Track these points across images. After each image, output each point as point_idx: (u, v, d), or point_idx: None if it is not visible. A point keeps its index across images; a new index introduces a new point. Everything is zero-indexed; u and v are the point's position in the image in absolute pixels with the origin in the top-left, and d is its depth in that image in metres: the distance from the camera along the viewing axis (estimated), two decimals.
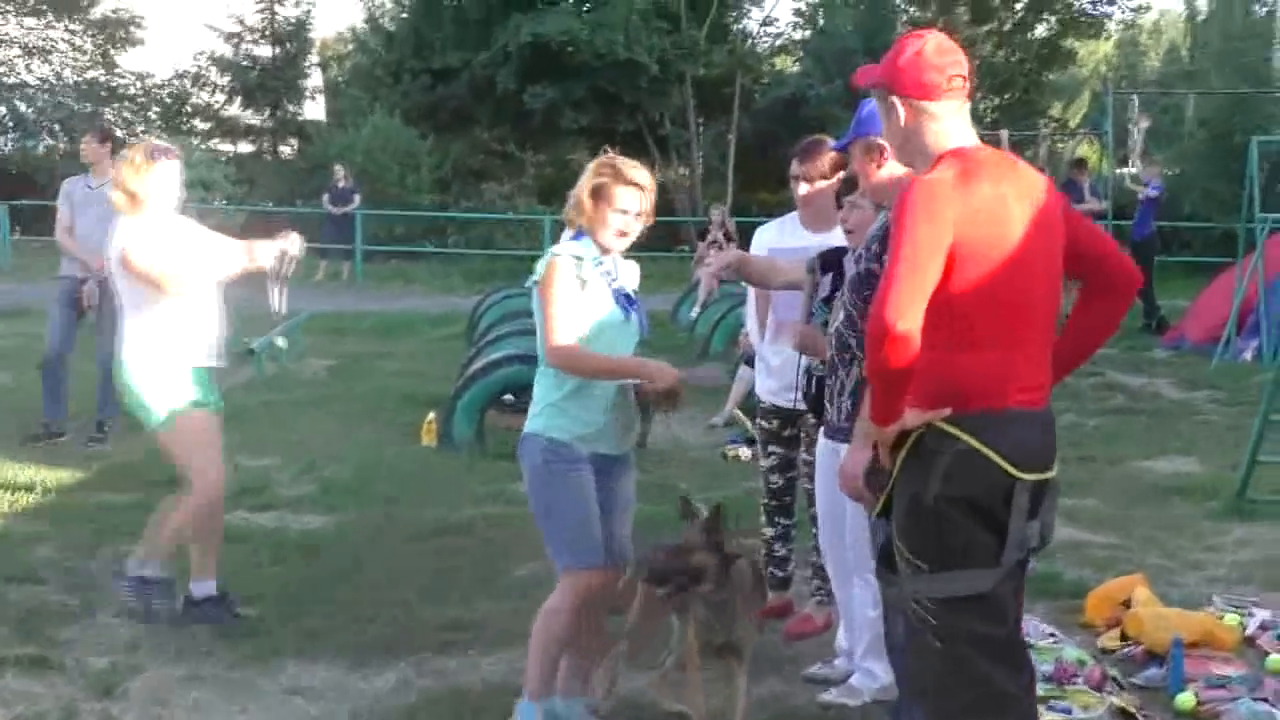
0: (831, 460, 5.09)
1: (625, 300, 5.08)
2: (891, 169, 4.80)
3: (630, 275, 5.21)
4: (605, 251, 5.06)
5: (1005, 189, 3.74)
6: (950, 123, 3.84)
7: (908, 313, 3.55)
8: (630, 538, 5.23)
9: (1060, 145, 32.50)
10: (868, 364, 3.71)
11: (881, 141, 4.76)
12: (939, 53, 3.84)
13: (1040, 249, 3.78)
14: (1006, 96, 36.13)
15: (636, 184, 5.02)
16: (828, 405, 4.92)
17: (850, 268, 4.77)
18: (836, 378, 4.84)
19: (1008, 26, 37.23)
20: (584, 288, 4.94)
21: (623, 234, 5.05)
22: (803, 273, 5.53)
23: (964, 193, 3.66)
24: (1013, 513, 3.73)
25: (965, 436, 3.71)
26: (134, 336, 6.37)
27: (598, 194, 5.00)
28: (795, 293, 5.59)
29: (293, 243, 6.43)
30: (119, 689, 5.58)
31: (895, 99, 3.87)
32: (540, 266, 4.99)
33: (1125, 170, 20.89)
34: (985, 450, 3.70)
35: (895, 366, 3.60)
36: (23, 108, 38.26)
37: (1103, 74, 47.05)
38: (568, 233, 5.21)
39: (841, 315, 4.78)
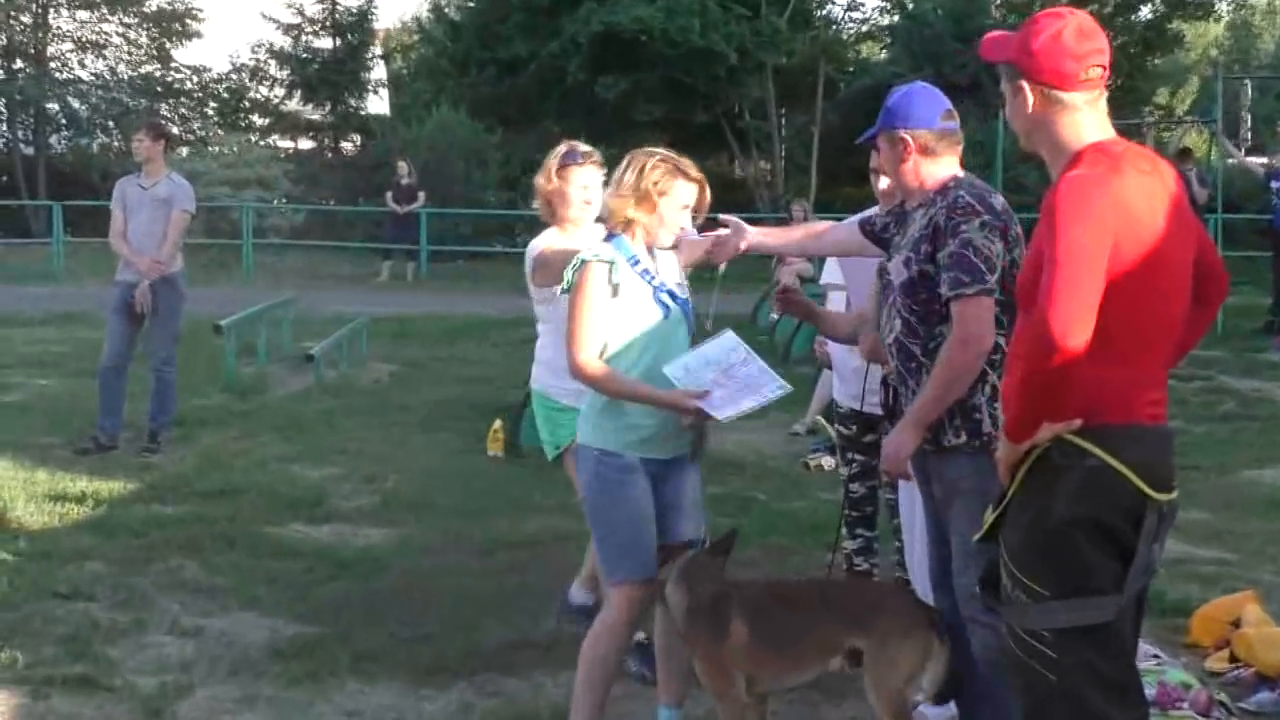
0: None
1: (671, 298, 5.10)
2: (917, 164, 4.74)
3: (671, 268, 5.21)
4: (649, 250, 5.10)
5: (1152, 187, 3.66)
6: (1085, 114, 3.75)
7: (1078, 326, 3.42)
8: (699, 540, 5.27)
9: (1166, 134, 32.15)
10: (1023, 377, 3.57)
11: (905, 135, 4.73)
12: (1079, 38, 3.74)
13: (1179, 251, 3.70)
14: (1108, 83, 35.73)
15: (696, 179, 5.09)
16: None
17: (901, 272, 4.72)
18: (907, 388, 4.79)
19: (1109, 9, 36.83)
20: (616, 294, 4.98)
21: (679, 231, 5.10)
22: (847, 232, 5.49)
23: (1115, 191, 3.56)
24: (1141, 536, 3.63)
25: (1099, 451, 3.61)
26: (537, 357, 6.45)
27: (655, 191, 5.02)
28: (871, 277, 5.51)
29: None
30: (169, 711, 5.63)
31: (1024, 83, 3.77)
32: (569, 272, 5.03)
33: (1257, 159, 20.62)
34: (1120, 467, 3.60)
35: (1057, 382, 3.48)
36: (76, 104, 38.65)
37: (1212, 58, 46.57)
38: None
39: (899, 323, 4.74)
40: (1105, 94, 3.81)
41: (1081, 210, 3.51)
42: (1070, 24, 3.75)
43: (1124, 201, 3.56)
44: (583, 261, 5.02)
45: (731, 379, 5.11)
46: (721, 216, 5.33)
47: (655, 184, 5.01)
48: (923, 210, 4.67)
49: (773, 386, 5.16)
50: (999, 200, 4.64)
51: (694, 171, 5.12)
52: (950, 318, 4.55)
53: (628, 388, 5.00)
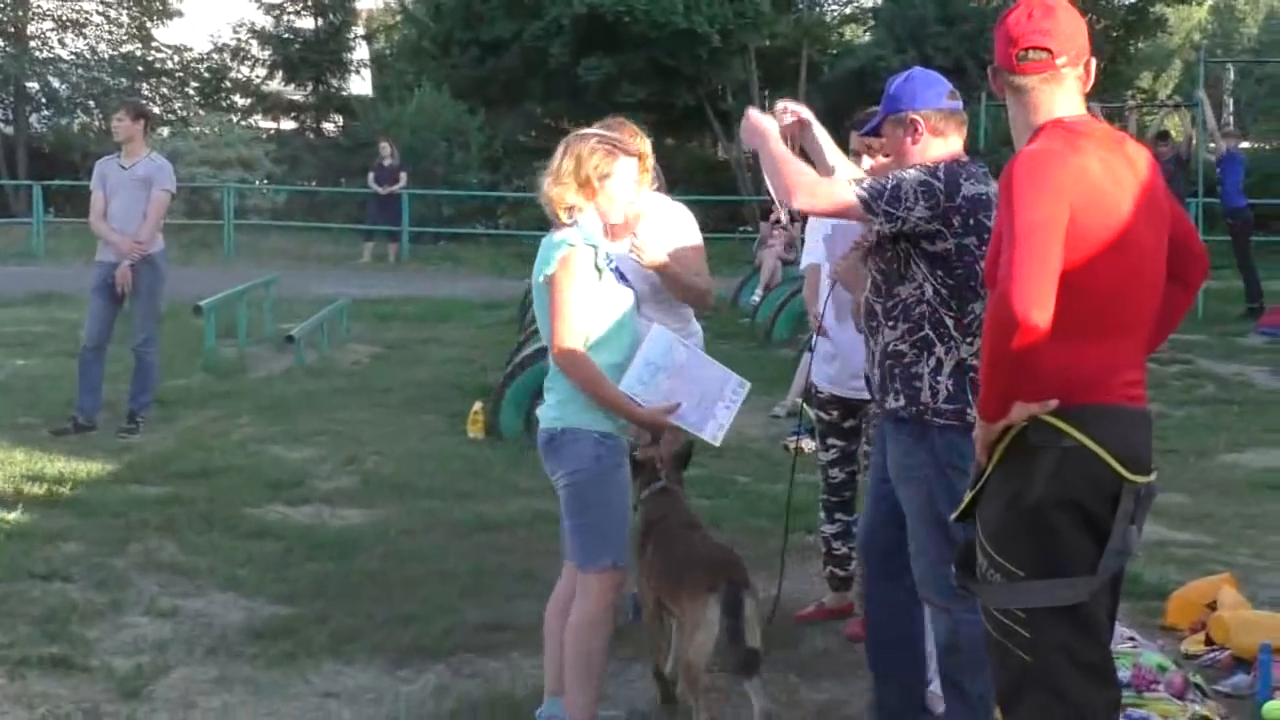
0: None
1: (622, 279, 5.12)
2: (927, 145, 4.75)
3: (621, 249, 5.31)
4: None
5: (1114, 164, 3.66)
6: (1042, 95, 3.75)
7: (1039, 301, 3.41)
8: None
9: (1149, 118, 32.16)
10: (990, 355, 3.55)
11: (915, 116, 4.75)
12: (1022, 21, 3.76)
13: (1148, 229, 3.70)
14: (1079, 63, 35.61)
15: (635, 153, 5.13)
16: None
17: (871, 233, 4.77)
18: (867, 349, 4.85)
19: None
20: (601, 278, 4.94)
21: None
22: None
23: (1073, 165, 3.57)
24: (1117, 517, 3.62)
25: (1074, 432, 3.61)
26: None
27: (597, 176, 4.95)
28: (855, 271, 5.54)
29: None
30: (145, 691, 5.62)
31: (997, 72, 3.84)
32: (552, 258, 4.90)
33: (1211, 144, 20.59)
34: (1096, 448, 3.61)
35: (1022, 360, 3.47)
36: (56, 83, 38.46)
37: (1195, 42, 46.60)
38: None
39: (869, 282, 4.82)
40: (1071, 75, 3.78)
41: (1036, 185, 3.52)
42: (1020, 10, 3.79)
43: (1083, 175, 3.57)
44: (567, 246, 4.90)
45: (688, 383, 5.08)
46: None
47: (596, 168, 4.94)
48: None
49: (734, 385, 5.17)
50: (973, 188, 4.61)
51: (633, 146, 5.14)
52: (906, 279, 4.65)
53: (611, 395, 4.92)
